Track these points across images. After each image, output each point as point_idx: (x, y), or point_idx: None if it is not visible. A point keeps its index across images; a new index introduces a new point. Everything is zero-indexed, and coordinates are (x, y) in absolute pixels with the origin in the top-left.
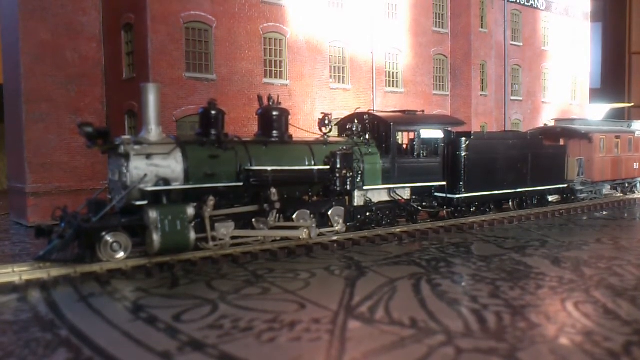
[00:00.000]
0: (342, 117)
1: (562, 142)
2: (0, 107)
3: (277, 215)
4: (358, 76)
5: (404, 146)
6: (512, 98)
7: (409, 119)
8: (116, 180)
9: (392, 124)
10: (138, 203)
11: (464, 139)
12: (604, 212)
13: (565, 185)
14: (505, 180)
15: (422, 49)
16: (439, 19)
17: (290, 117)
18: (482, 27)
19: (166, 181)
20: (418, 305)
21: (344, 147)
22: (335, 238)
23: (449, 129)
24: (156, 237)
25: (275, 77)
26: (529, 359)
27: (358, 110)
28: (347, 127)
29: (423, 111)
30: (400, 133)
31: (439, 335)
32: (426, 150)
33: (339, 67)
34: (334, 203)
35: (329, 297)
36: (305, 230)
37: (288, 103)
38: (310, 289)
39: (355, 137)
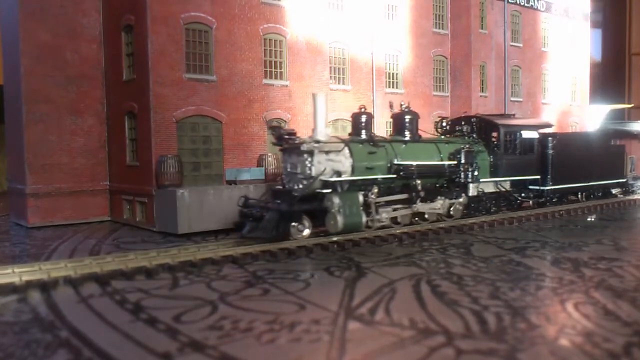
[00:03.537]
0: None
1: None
2: (0, 107)
3: (419, 202)
4: (358, 77)
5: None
6: (512, 99)
7: (513, 122)
8: (296, 172)
9: (501, 125)
10: (324, 191)
11: (550, 138)
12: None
13: (625, 180)
14: (581, 175)
15: (422, 50)
16: (439, 20)
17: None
18: (482, 28)
19: (338, 173)
20: (418, 306)
21: (467, 145)
22: (335, 239)
23: (540, 130)
24: (340, 219)
25: (275, 78)
26: None
27: (465, 114)
28: (457, 128)
29: (514, 114)
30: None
31: (439, 336)
32: (522, 148)
33: (339, 68)
34: (454, 193)
35: (328, 298)
36: (440, 202)
37: (288, 104)
38: (310, 290)
39: (465, 137)
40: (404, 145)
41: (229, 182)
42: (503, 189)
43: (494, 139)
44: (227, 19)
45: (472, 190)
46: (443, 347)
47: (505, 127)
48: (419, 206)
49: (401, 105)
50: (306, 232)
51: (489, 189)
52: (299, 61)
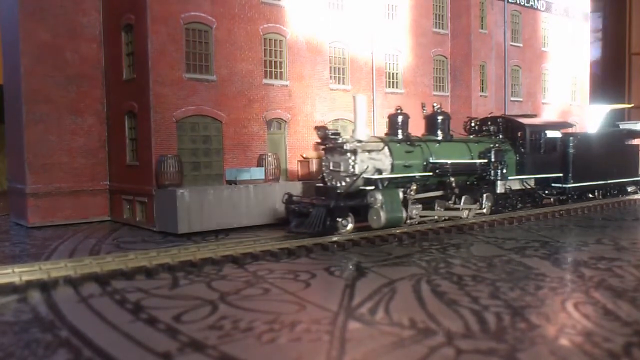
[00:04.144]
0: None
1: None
2: (1, 107)
3: (455, 198)
4: (358, 77)
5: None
6: (512, 99)
7: (538, 122)
8: (338, 170)
9: (527, 125)
10: (367, 188)
11: (571, 137)
12: (604, 213)
13: (639, 178)
14: (599, 173)
15: (422, 49)
16: (439, 20)
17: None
18: (482, 28)
19: (379, 171)
20: (418, 306)
21: (497, 145)
22: (335, 239)
23: (562, 130)
24: (383, 215)
25: (275, 77)
26: None
27: (491, 115)
28: (484, 128)
29: (536, 114)
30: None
31: (439, 336)
32: (546, 147)
33: (339, 68)
34: (483, 190)
35: (329, 298)
36: (466, 211)
37: (288, 104)
38: (310, 290)
39: (492, 136)
40: (437, 145)
41: (229, 182)
42: (528, 187)
43: (519, 139)
44: (227, 18)
45: (500, 188)
46: (443, 347)
47: (531, 127)
48: (449, 204)
49: (434, 106)
50: (350, 226)
51: (515, 186)
52: (299, 61)
